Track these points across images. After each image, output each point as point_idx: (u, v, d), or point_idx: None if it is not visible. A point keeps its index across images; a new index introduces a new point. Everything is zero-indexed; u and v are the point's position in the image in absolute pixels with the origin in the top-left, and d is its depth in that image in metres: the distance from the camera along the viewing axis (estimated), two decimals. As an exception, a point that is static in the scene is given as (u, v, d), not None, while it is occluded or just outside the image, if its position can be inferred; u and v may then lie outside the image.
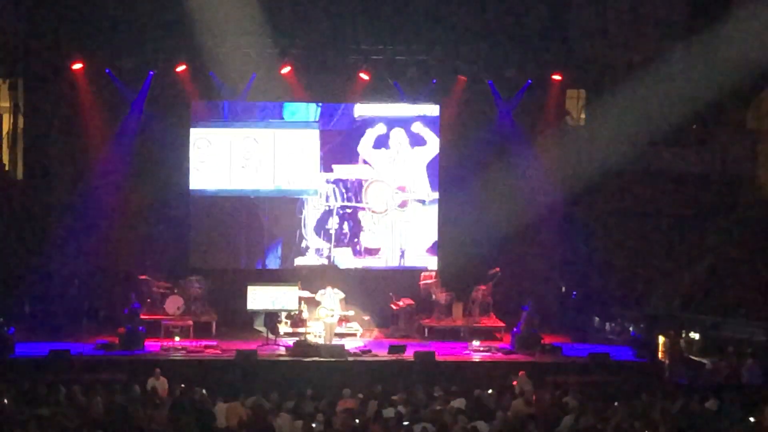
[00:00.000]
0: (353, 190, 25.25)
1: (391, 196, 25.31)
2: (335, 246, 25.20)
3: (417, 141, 25.22)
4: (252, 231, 25.28)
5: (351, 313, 23.68)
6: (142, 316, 22.90)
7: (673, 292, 24.83)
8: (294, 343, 21.72)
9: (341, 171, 25.20)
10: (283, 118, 25.16)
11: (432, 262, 25.25)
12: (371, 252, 25.33)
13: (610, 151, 24.89)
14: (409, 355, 21.52)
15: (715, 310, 23.68)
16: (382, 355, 21.76)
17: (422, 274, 24.88)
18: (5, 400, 16.60)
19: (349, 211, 25.27)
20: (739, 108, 26.65)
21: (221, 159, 24.95)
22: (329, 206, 25.20)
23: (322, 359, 21.07)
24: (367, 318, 24.15)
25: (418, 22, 24.62)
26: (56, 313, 23.63)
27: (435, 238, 25.28)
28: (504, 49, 24.70)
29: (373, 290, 24.70)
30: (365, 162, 25.11)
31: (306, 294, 23.30)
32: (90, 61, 24.10)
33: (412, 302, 24.29)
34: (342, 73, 24.74)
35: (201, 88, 24.65)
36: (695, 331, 22.78)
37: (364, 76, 24.58)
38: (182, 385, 18.50)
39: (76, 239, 24.37)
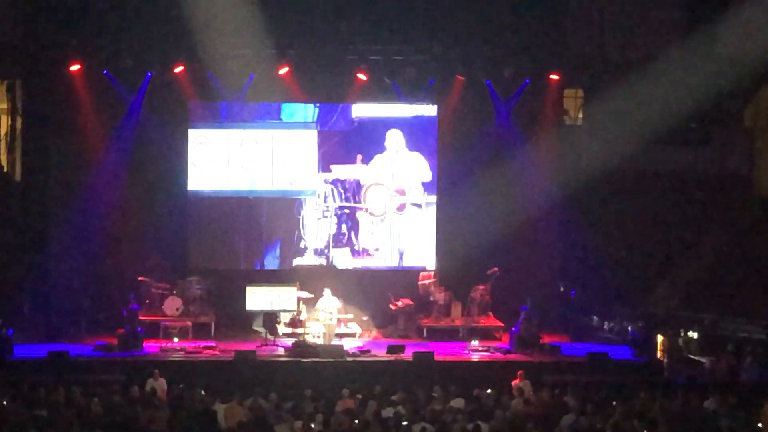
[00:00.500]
0: (351, 190, 25.26)
1: (389, 200, 25.31)
2: (334, 246, 25.21)
3: (414, 142, 25.23)
4: (250, 231, 25.29)
5: (350, 316, 23.70)
6: (140, 317, 22.89)
7: (671, 291, 24.84)
8: (293, 344, 21.74)
9: (339, 171, 25.21)
10: (281, 119, 25.17)
11: (430, 262, 25.26)
12: (370, 252, 25.34)
13: (607, 151, 24.90)
14: (408, 355, 21.54)
15: (714, 309, 23.69)
16: (381, 355, 21.79)
17: (421, 274, 24.90)
18: (4, 402, 16.59)
19: (347, 211, 25.27)
20: (737, 107, 26.64)
21: (219, 160, 24.95)
22: (327, 207, 25.20)
23: (321, 360, 21.07)
24: (365, 318, 24.17)
25: (415, 22, 24.60)
26: (55, 315, 23.63)
27: (433, 238, 25.28)
28: (502, 49, 24.69)
29: (371, 290, 24.72)
30: (363, 162, 25.14)
31: (305, 294, 23.32)
32: (88, 63, 24.09)
33: (410, 302, 24.31)
34: (340, 73, 24.71)
35: (199, 89, 24.65)
36: (694, 330, 22.82)
37: (361, 76, 24.57)
38: (181, 386, 18.52)
39: (74, 240, 24.37)
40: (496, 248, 24.74)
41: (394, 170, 25.28)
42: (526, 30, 24.84)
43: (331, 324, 22.74)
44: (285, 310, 23.00)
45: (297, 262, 25.17)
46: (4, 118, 25.92)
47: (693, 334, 22.68)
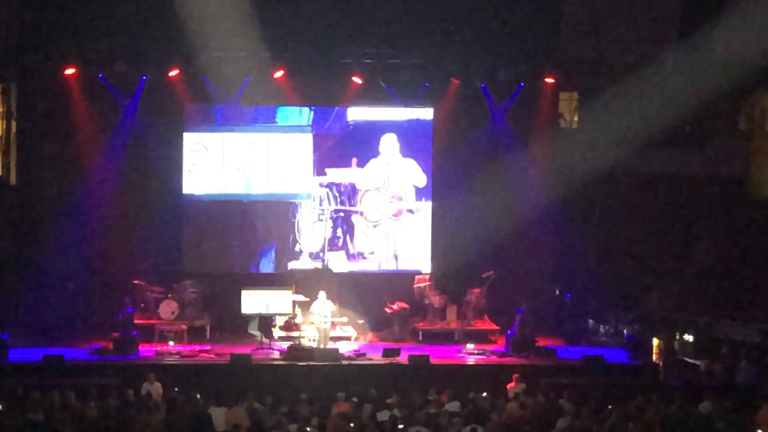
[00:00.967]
0: (347, 193, 25.25)
1: (385, 206, 25.31)
2: (329, 249, 25.19)
3: (409, 146, 25.23)
4: (245, 235, 25.27)
5: (345, 319, 23.69)
6: (136, 321, 22.83)
7: (666, 294, 24.86)
8: (288, 347, 21.70)
9: (334, 175, 25.21)
10: (276, 122, 25.16)
11: (426, 266, 25.26)
12: (365, 255, 25.33)
13: (603, 154, 24.92)
14: (403, 358, 21.51)
15: (709, 312, 23.71)
16: (377, 358, 21.75)
17: (416, 277, 24.89)
18: (-1, 406, 16.61)
19: (342, 215, 25.27)
20: (732, 110, 26.66)
21: (214, 163, 24.95)
22: (323, 210, 25.20)
23: (316, 363, 21.05)
24: (361, 322, 24.15)
25: (410, 25, 24.60)
26: (50, 318, 23.60)
27: (429, 241, 25.28)
28: (497, 52, 24.71)
29: (367, 294, 24.69)
30: (358, 165, 25.14)
31: (300, 298, 23.29)
32: (83, 66, 24.07)
33: (406, 305, 24.29)
34: (335, 76, 24.71)
35: (194, 92, 24.63)
36: (689, 333, 22.83)
37: (357, 79, 24.56)
38: (176, 390, 18.50)
39: (69, 244, 24.32)
40: (492, 251, 24.77)
41: (389, 175, 25.27)
42: (521, 33, 24.85)
43: (327, 327, 22.71)
44: (280, 314, 22.95)
45: (292, 265, 25.15)
46: (-2, 121, 25.92)
47: (688, 337, 22.70)
